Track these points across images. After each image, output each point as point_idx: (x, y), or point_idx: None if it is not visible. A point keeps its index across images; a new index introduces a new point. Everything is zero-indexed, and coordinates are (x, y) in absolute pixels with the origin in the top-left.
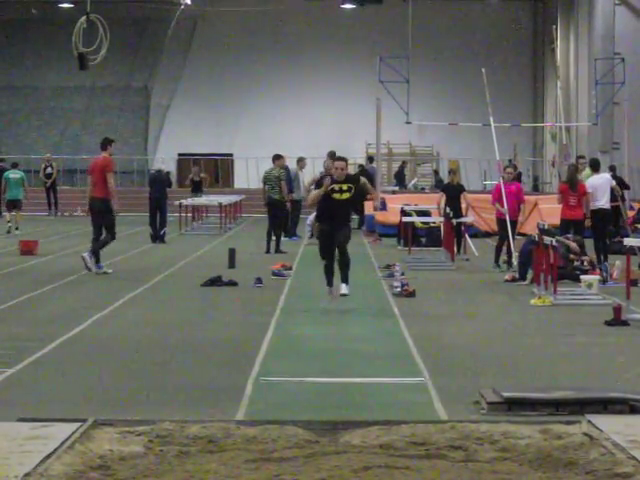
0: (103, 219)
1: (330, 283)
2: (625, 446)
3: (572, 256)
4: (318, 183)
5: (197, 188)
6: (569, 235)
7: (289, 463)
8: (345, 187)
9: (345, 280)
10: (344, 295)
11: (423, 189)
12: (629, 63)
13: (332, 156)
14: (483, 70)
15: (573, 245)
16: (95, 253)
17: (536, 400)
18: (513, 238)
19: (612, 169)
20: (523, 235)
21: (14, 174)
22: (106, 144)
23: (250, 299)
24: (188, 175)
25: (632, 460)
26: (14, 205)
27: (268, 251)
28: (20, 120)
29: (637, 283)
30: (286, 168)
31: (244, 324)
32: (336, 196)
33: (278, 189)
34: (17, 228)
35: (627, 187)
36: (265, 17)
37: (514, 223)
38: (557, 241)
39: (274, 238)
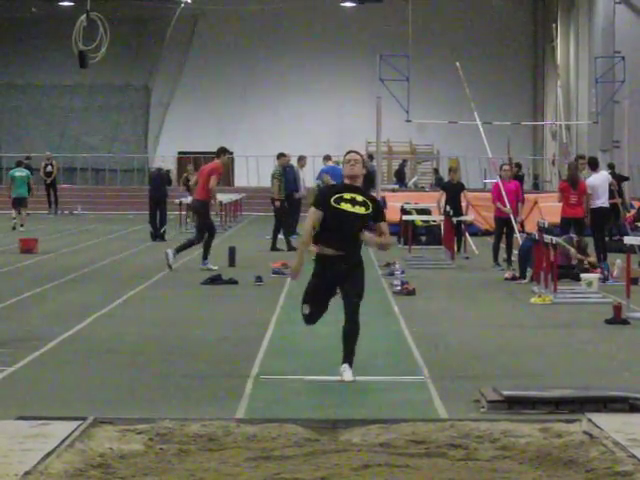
0: (197, 220)
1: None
2: (625, 444)
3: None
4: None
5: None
6: (572, 236)
7: (289, 461)
8: (360, 198)
9: (348, 358)
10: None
11: (423, 188)
12: (629, 61)
13: (328, 158)
14: (458, 64)
15: (573, 251)
16: (178, 250)
17: (536, 398)
18: (512, 236)
19: (611, 167)
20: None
21: (20, 172)
22: (220, 152)
23: (250, 297)
24: (183, 174)
25: (632, 458)
26: (20, 203)
27: (289, 247)
28: (20, 118)
29: (637, 281)
30: (290, 167)
31: (244, 322)
32: (346, 207)
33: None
34: (22, 225)
35: (626, 178)
36: (265, 16)
37: (515, 221)
38: (557, 243)
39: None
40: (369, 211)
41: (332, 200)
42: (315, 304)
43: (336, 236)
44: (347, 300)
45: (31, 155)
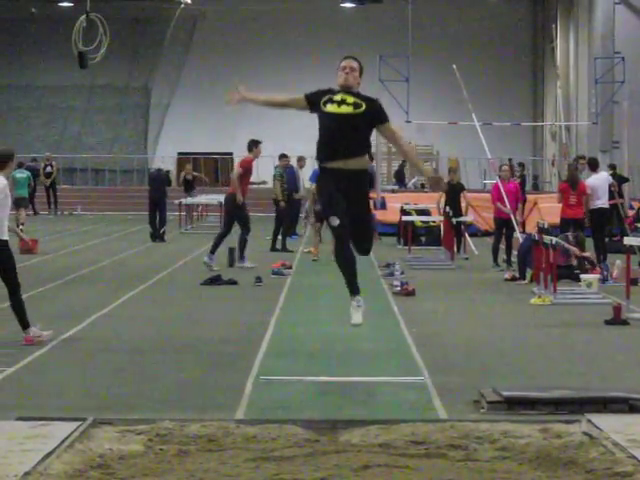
0: (235, 215)
1: (355, 290)
2: (625, 445)
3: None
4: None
5: (189, 187)
6: (568, 234)
7: (289, 462)
8: (350, 100)
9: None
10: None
11: (423, 186)
12: (629, 62)
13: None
14: (454, 66)
15: (574, 249)
16: (241, 251)
17: (536, 399)
18: (512, 236)
19: (612, 168)
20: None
21: (20, 173)
22: (251, 145)
23: (250, 298)
24: (181, 173)
25: (632, 459)
26: (20, 203)
27: (283, 248)
28: (20, 119)
29: (637, 282)
30: (290, 167)
31: (244, 323)
32: (331, 109)
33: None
34: (22, 224)
35: (626, 180)
36: (265, 16)
37: (515, 221)
38: (557, 244)
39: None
40: (360, 110)
41: (322, 102)
42: (338, 213)
43: (329, 143)
44: (358, 248)
45: (33, 157)
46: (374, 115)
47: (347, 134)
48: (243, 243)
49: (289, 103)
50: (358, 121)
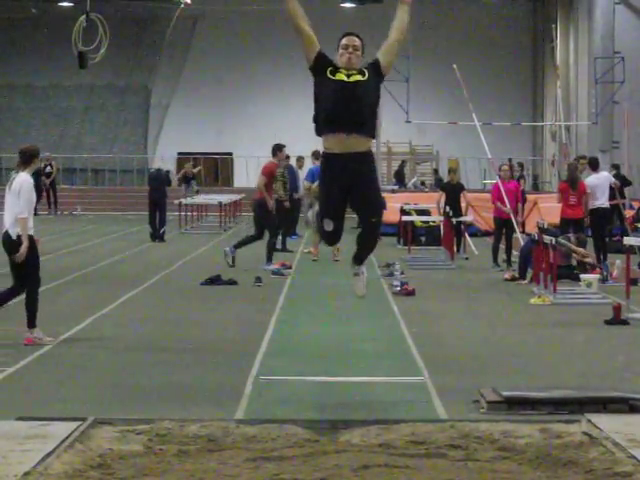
0: (261, 219)
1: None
2: (625, 445)
3: (577, 257)
4: None
5: (186, 181)
6: (570, 235)
7: (289, 462)
8: (356, 72)
9: (361, 259)
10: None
11: (423, 184)
12: (629, 62)
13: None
14: (454, 66)
15: (580, 250)
16: (269, 254)
17: (536, 399)
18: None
19: (616, 167)
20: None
21: None
22: (275, 150)
23: (250, 298)
24: (181, 170)
25: (631, 459)
26: None
27: (283, 248)
28: (19, 119)
29: (637, 282)
30: (290, 167)
31: (244, 323)
32: (341, 77)
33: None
34: None
35: (629, 183)
36: (265, 16)
37: (515, 221)
38: (559, 244)
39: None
40: (366, 77)
41: (328, 71)
42: (333, 217)
43: (335, 109)
44: (364, 221)
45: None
46: (374, 68)
47: (357, 101)
48: (271, 247)
49: (304, 36)
50: (368, 85)
